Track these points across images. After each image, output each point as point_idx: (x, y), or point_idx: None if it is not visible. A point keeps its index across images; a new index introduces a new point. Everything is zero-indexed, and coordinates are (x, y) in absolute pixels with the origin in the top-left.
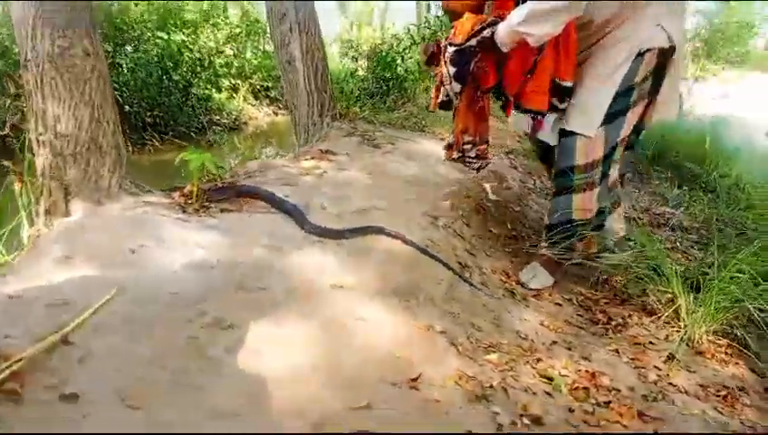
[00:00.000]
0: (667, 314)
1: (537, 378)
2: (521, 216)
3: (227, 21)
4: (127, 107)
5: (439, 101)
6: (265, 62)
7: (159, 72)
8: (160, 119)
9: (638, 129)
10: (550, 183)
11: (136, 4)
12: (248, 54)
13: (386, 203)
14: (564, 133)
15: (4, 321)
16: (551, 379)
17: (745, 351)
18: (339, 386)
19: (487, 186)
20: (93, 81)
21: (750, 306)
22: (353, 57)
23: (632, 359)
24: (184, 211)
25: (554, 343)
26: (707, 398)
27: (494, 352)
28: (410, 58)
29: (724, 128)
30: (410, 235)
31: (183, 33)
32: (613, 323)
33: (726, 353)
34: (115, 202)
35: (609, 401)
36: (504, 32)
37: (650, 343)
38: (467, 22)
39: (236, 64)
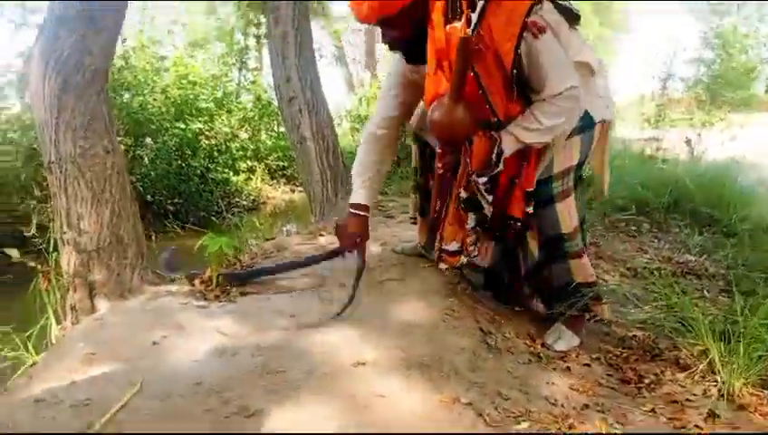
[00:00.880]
0: (701, 367)
1: None
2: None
3: (240, 106)
4: (148, 196)
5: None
6: (280, 143)
7: (179, 161)
8: (181, 206)
9: None
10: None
11: (155, 99)
12: (263, 136)
13: (403, 273)
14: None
15: (32, 426)
16: None
17: None
18: None
19: None
20: (113, 177)
21: None
22: None
23: (670, 418)
24: (204, 298)
25: (586, 406)
26: None
27: (525, 420)
28: None
29: (738, 170)
30: (430, 306)
31: (199, 121)
32: (646, 380)
33: None
34: (138, 295)
35: None
36: (511, 147)
37: (687, 399)
38: (480, 145)
39: (252, 147)
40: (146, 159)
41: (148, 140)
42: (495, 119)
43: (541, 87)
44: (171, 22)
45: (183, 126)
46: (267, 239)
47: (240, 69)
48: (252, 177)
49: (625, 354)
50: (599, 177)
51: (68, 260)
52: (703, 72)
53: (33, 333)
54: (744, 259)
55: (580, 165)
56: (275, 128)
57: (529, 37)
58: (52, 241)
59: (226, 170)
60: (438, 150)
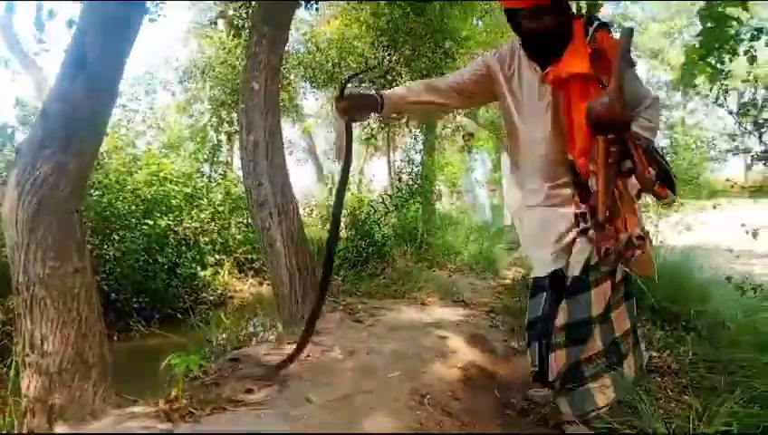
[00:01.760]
0: None
1: None
2: (510, 381)
3: (211, 201)
4: (113, 295)
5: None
6: (250, 236)
7: (145, 257)
8: (146, 303)
9: None
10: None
11: (124, 198)
12: (233, 229)
13: (372, 385)
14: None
15: None
16: None
17: None
18: None
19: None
20: (81, 295)
21: None
22: None
23: None
24: (169, 419)
25: None
26: None
27: None
28: (386, 225)
29: (694, 259)
30: (399, 419)
31: (168, 218)
32: None
33: None
34: (100, 418)
35: None
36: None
37: None
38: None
39: (221, 241)
40: (111, 256)
41: (116, 236)
42: None
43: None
44: (145, 124)
45: (151, 222)
46: (234, 348)
47: (211, 164)
48: (220, 271)
49: None
50: None
51: (28, 383)
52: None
53: None
54: (703, 355)
55: None
56: (245, 220)
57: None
58: (13, 365)
59: (194, 265)
60: (602, 144)
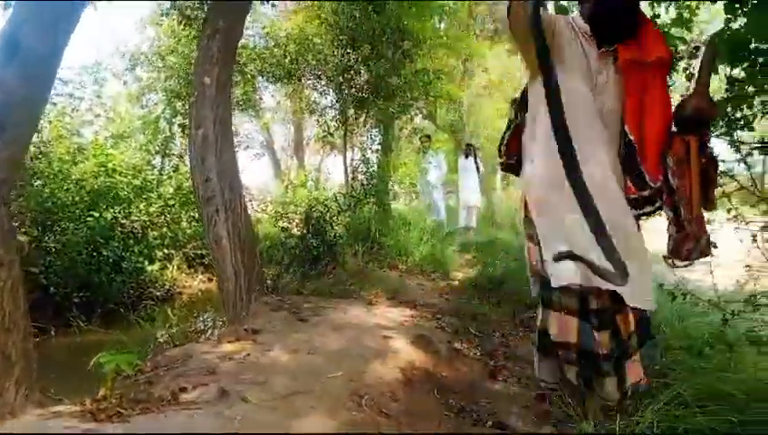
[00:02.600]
0: None
1: None
2: (451, 382)
3: (161, 194)
4: (52, 289)
5: None
6: (200, 231)
7: (89, 250)
8: (88, 298)
9: None
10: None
11: (67, 188)
12: (183, 224)
13: (311, 385)
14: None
15: None
16: None
17: None
18: None
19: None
20: (6, 290)
21: None
22: (289, 219)
23: None
24: (95, 419)
25: None
26: None
27: None
28: (339, 224)
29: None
30: (335, 419)
31: (115, 211)
32: None
33: None
34: (20, 416)
35: None
36: None
37: None
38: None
39: (170, 235)
40: (53, 248)
41: (57, 228)
42: None
43: None
44: (93, 113)
45: (96, 214)
46: (176, 345)
47: (163, 156)
48: (168, 265)
49: None
50: None
51: None
52: None
53: None
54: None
55: None
56: (196, 215)
57: None
58: None
59: (141, 259)
60: (694, 143)
